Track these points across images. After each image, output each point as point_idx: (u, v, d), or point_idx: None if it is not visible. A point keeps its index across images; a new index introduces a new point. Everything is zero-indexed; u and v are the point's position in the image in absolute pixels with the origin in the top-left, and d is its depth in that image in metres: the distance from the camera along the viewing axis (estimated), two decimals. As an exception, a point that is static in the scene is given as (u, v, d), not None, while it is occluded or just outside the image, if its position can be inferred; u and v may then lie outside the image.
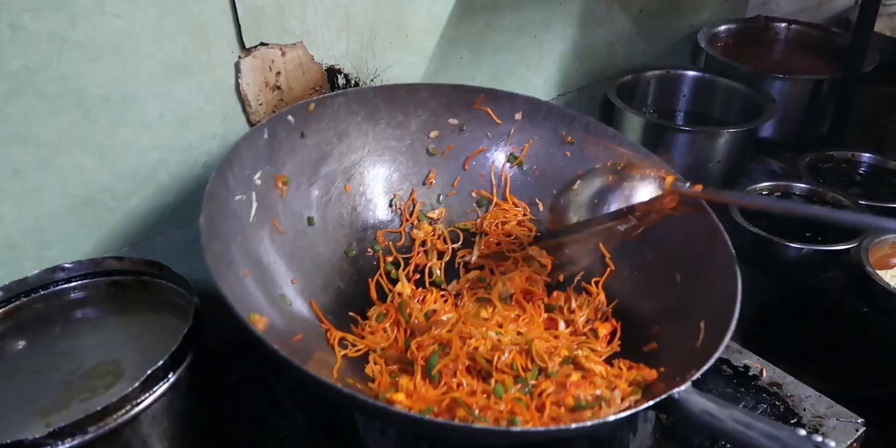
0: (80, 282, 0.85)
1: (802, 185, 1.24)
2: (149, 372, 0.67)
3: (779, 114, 1.33)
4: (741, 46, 1.61)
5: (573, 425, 0.68)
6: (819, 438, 0.60)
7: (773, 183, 1.25)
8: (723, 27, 1.61)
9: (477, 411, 0.76)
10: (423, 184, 1.11)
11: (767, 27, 1.66)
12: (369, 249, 1.06)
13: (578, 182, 0.95)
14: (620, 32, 1.45)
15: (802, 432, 0.61)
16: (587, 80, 1.45)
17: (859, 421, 0.92)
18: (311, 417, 0.97)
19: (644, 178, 0.90)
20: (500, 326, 0.93)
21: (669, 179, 0.89)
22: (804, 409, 0.94)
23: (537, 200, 1.11)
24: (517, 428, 0.71)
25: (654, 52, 1.55)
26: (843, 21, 1.90)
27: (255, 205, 0.92)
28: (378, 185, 1.08)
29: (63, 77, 0.83)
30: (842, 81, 1.39)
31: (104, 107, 0.88)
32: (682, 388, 0.67)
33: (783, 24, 1.66)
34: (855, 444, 0.91)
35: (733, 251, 0.86)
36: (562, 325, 0.96)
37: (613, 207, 0.90)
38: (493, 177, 1.12)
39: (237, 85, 0.97)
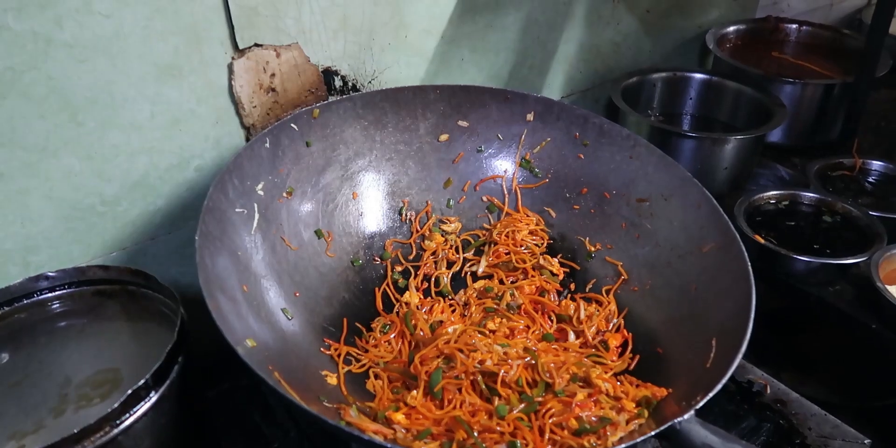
0: (64, 291, 0.82)
1: (811, 195, 1.20)
2: (129, 392, 0.65)
3: (788, 118, 1.29)
4: (750, 48, 1.58)
5: None
6: None
7: (781, 191, 1.21)
8: (732, 28, 1.58)
9: (476, 433, 0.74)
10: (433, 189, 1.08)
11: (778, 28, 1.62)
12: (376, 258, 1.03)
13: None
14: (626, 33, 1.42)
15: None
16: (592, 81, 1.42)
17: (865, 442, 0.90)
18: (303, 429, 0.94)
19: None
20: (508, 338, 0.91)
21: None
22: (809, 429, 0.92)
23: (546, 208, 1.08)
24: None
25: (661, 54, 1.52)
26: (854, 22, 1.87)
27: (256, 216, 0.90)
28: (386, 190, 1.06)
29: (49, 78, 0.81)
30: (854, 85, 1.35)
31: (92, 109, 0.85)
32: (685, 416, 0.65)
33: (794, 26, 1.62)
34: (861, 466, 0.88)
35: (749, 264, 0.83)
36: (571, 336, 0.93)
37: None
38: (504, 183, 1.09)
39: (230, 87, 0.95)
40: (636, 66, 1.45)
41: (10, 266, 0.88)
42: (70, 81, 0.82)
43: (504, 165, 1.10)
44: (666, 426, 0.65)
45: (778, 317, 1.12)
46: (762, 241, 1.10)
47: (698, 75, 1.44)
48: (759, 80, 1.38)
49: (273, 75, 0.98)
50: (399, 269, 1.03)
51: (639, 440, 0.65)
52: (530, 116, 1.08)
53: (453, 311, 0.98)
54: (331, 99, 1.04)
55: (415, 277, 1.02)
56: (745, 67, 1.40)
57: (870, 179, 1.30)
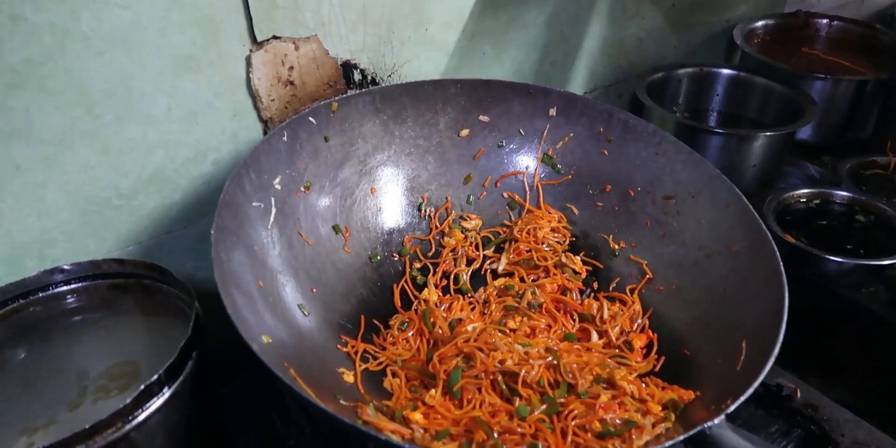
0: (79, 284, 0.81)
1: (843, 193, 1.17)
2: (142, 387, 0.63)
3: (819, 116, 1.26)
4: (779, 43, 1.54)
5: None
6: None
7: (812, 190, 1.18)
8: (760, 22, 1.54)
9: (496, 434, 0.72)
10: (453, 185, 1.06)
11: (808, 23, 1.58)
12: (394, 254, 1.01)
13: None
14: (651, 27, 1.39)
15: None
16: (615, 76, 1.40)
17: (901, 449, 0.86)
18: (319, 427, 0.93)
19: None
20: (529, 337, 0.88)
21: None
22: (842, 435, 0.88)
23: (569, 205, 1.06)
24: None
25: (687, 49, 1.49)
26: (886, 17, 1.82)
27: (273, 211, 0.88)
28: (405, 186, 1.04)
29: (66, 71, 0.80)
30: (887, 82, 1.31)
31: (109, 101, 0.84)
32: (716, 421, 0.62)
33: (824, 21, 1.58)
34: (897, 475, 0.85)
35: (781, 264, 0.80)
36: (594, 336, 0.90)
37: None
38: (525, 179, 1.07)
39: (248, 80, 0.93)
40: (661, 62, 1.42)
41: (27, 259, 0.87)
42: (87, 74, 0.81)
43: (526, 161, 1.08)
44: (696, 431, 0.62)
45: (808, 318, 1.08)
46: (793, 240, 1.07)
47: (725, 71, 1.41)
48: (789, 77, 1.34)
49: (291, 68, 0.96)
50: (417, 265, 1.01)
51: (667, 445, 0.62)
52: (553, 111, 1.05)
53: (473, 310, 0.96)
54: (350, 92, 1.02)
55: (433, 274, 1.00)
56: (774, 63, 1.37)
57: (905, 178, 1.26)
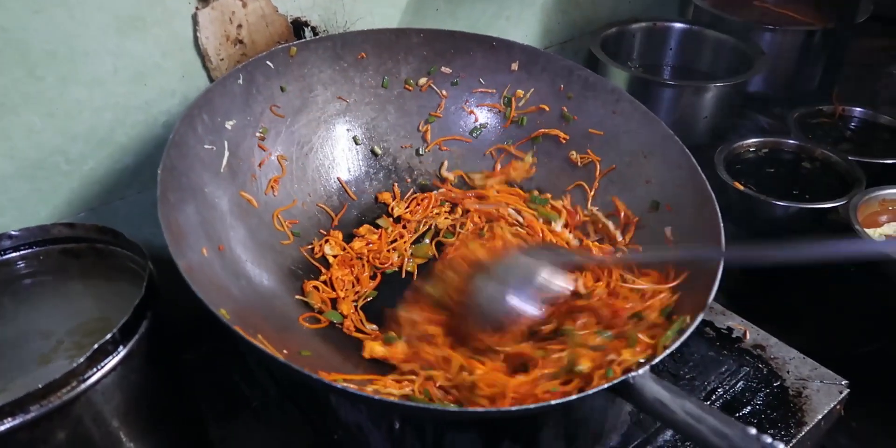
0: (28, 250, 0.80)
1: (790, 142, 1.19)
2: (96, 346, 0.63)
3: (768, 67, 1.28)
4: (731, -4, 1.55)
5: (532, 405, 0.65)
6: (768, 439, 0.57)
7: (762, 139, 1.20)
8: (712, -24, 1.54)
9: None
10: (413, 137, 1.06)
11: (758, -24, 1.59)
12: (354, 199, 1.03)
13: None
14: (605, -18, 1.38)
15: (752, 431, 0.58)
16: (570, 33, 1.39)
17: (843, 382, 0.90)
18: (283, 387, 0.94)
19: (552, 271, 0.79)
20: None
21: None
22: (787, 372, 0.92)
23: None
24: (474, 409, 0.69)
25: (641, 3, 1.49)
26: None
27: (226, 154, 0.87)
28: (364, 136, 1.04)
29: (2, 30, 0.78)
30: (834, 33, 1.33)
31: (51, 63, 0.82)
32: (640, 371, 0.64)
33: (775, -27, 1.59)
34: (839, 406, 0.89)
35: (721, 225, 0.82)
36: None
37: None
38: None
39: (196, 39, 0.92)
40: (615, 18, 1.42)
41: (-25, 228, 0.86)
42: (26, 33, 0.79)
43: (486, 115, 1.08)
44: (620, 380, 0.64)
45: (755, 269, 1.11)
46: (741, 187, 1.09)
47: (678, 25, 1.41)
48: (739, 29, 1.35)
49: (240, 26, 0.95)
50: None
51: (594, 391, 0.64)
52: (515, 66, 1.05)
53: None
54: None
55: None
56: (726, 16, 1.38)
57: (850, 126, 1.29)
